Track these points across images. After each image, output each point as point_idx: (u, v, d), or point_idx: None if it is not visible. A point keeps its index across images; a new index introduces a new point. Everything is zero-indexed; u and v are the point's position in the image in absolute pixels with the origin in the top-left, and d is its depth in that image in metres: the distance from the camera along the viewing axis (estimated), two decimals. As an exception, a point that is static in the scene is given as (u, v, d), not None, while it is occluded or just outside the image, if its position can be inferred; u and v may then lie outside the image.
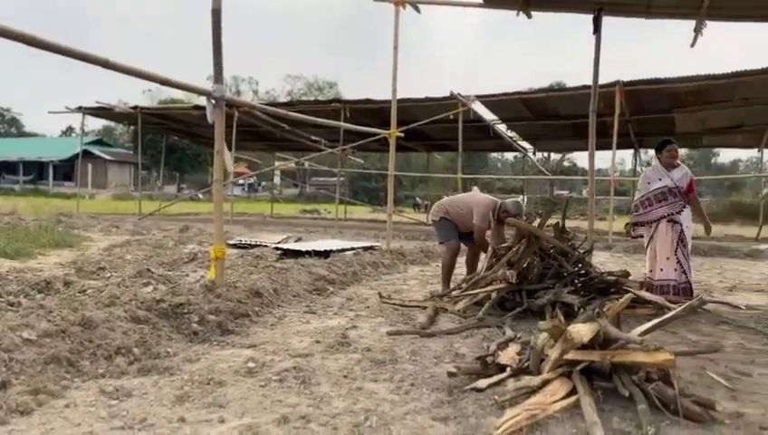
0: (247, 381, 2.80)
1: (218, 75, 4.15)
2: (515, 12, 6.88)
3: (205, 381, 2.73)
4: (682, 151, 46.89)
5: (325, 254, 7.50)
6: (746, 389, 2.87)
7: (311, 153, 21.17)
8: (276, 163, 25.80)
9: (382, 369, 3.06)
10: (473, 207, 5.43)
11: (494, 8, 7.09)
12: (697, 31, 6.60)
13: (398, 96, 8.78)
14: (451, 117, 14.43)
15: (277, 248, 8.02)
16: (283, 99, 48.19)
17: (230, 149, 4.69)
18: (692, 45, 6.96)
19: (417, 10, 7.98)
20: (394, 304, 4.88)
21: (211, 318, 3.63)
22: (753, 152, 19.86)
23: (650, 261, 5.52)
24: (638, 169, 21.57)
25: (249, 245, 9.24)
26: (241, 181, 44.49)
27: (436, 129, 16.94)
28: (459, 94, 14.11)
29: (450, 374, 2.78)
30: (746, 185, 39.07)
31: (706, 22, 6.40)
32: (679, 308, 2.90)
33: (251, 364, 3.01)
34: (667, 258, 5.36)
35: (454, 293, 4.99)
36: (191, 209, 22.67)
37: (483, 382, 2.75)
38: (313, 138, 18.59)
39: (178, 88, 4.57)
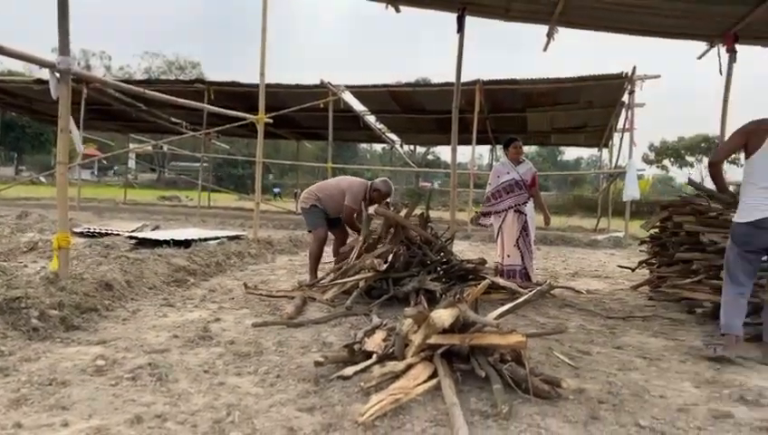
0: (95, 380, 2.56)
1: (64, 46, 3.72)
2: (384, 5, 7.01)
3: (45, 382, 2.46)
4: (532, 149, 50.91)
5: (186, 243, 7.11)
6: (587, 366, 3.17)
7: (171, 136, 19.97)
8: (131, 145, 24.01)
9: (246, 362, 2.96)
10: (344, 188, 5.47)
11: (364, -1, 7.12)
12: (550, 36, 7.15)
13: (268, 81, 8.54)
14: (321, 106, 14.37)
15: (131, 237, 7.47)
16: (139, 76, 44.95)
17: (78, 128, 4.23)
18: (544, 49, 7.53)
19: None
20: (260, 294, 4.76)
21: (53, 313, 3.27)
22: (594, 151, 22.01)
23: (500, 248, 5.98)
24: (495, 163, 23.05)
25: (98, 233, 8.52)
26: (90, 164, 40.90)
27: (306, 117, 16.79)
28: (330, 83, 14.09)
29: (317, 364, 2.76)
30: (587, 181, 43.23)
31: (558, 28, 6.95)
32: (530, 293, 3.12)
33: (100, 362, 2.76)
34: (514, 245, 5.86)
35: (323, 282, 4.97)
36: (31, 194, 20.45)
37: (349, 370, 2.77)
38: (173, 120, 17.58)
39: (17, 58, 4.03)
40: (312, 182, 7.95)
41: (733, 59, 6.96)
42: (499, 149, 22.42)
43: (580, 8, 6.51)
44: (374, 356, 2.90)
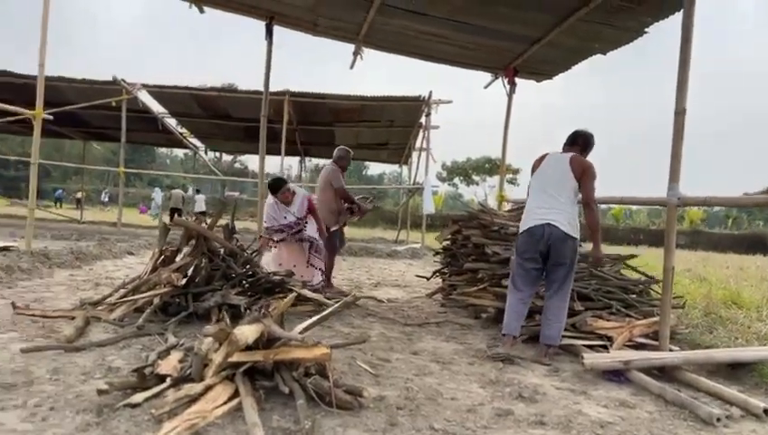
0: None
1: None
2: (188, 5, 6.66)
3: None
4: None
5: (-66, 256, 5.93)
6: (387, 374, 3.28)
7: None
8: None
9: (13, 394, 2.52)
10: (324, 187, 6.35)
11: (167, -5, 6.68)
12: (356, 54, 7.42)
13: (50, 74, 7.54)
14: (114, 104, 13.13)
15: None
16: None
17: None
18: (351, 67, 7.80)
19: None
20: (33, 314, 4.11)
21: None
22: (396, 167, 23.36)
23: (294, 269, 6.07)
24: (304, 174, 23.24)
25: None
26: None
27: (96, 115, 15.25)
28: (124, 80, 12.96)
29: (100, 392, 2.45)
30: (389, 195, 45.79)
31: (364, 48, 7.24)
32: (335, 305, 3.15)
33: None
34: (307, 267, 6.19)
35: (110, 299, 4.47)
36: None
37: (138, 396, 2.50)
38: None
39: None
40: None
41: (513, 90, 7.90)
42: (308, 160, 22.68)
43: (382, 32, 6.87)
44: (168, 380, 2.67)
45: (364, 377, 3.17)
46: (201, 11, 6.73)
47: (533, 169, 4.29)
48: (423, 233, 15.21)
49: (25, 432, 2.16)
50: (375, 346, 3.97)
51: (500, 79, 8.00)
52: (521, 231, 4.10)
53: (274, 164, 25.93)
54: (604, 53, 6.66)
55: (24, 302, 4.53)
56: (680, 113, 3.81)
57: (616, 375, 3.52)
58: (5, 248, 7.30)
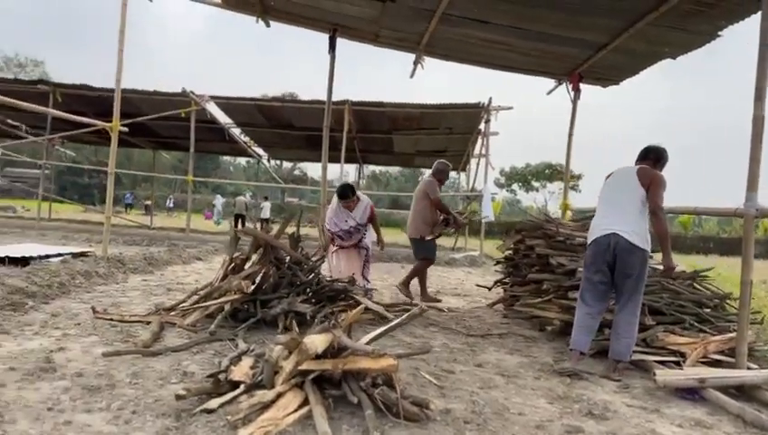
0: None
1: None
2: (255, 18, 6.89)
3: None
4: (396, 169, 52.58)
5: (23, 261, 6.35)
6: (452, 385, 3.27)
7: (6, 140, 17.85)
8: (-43, 148, 21.09)
9: (97, 396, 2.67)
10: (420, 197, 6.63)
11: (234, 10, 6.93)
12: (416, 63, 7.46)
13: (123, 87, 7.94)
14: (183, 115, 13.69)
15: (-44, 254, 6.52)
16: (-31, 71, 39.89)
17: None
18: (411, 76, 7.85)
19: (150, -3, 7.36)
20: (111, 319, 4.34)
21: None
22: (453, 173, 23.23)
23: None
24: (362, 182, 23.49)
25: None
26: None
27: (165, 126, 15.94)
28: (192, 93, 13.48)
29: (178, 397, 2.56)
30: (444, 200, 45.49)
31: (424, 57, 7.28)
32: (402, 317, 3.17)
33: None
34: (361, 275, 6.30)
35: (183, 305, 4.66)
36: None
37: (214, 402, 2.60)
38: (11, 122, 15.76)
39: None
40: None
41: (577, 96, 7.74)
42: (365, 167, 22.93)
43: (445, 40, 6.88)
44: (241, 386, 2.76)
45: (429, 388, 3.17)
46: (267, 25, 6.95)
47: (604, 184, 4.23)
48: (481, 240, 15.04)
49: (111, 434, 2.27)
50: (438, 357, 3.96)
51: (564, 85, 7.85)
52: (588, 244, 4.04)
53: (333, 171, 26.26)
54: (674, 58, 6.43)
55: (102, 306, 4.78)
56: (759, 118, 3.64)
57: (690, 393, 3.38)
58: (83, 254, 7.73)
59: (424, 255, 6.72)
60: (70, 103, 13.90)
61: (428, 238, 6.64)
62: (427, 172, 7.73)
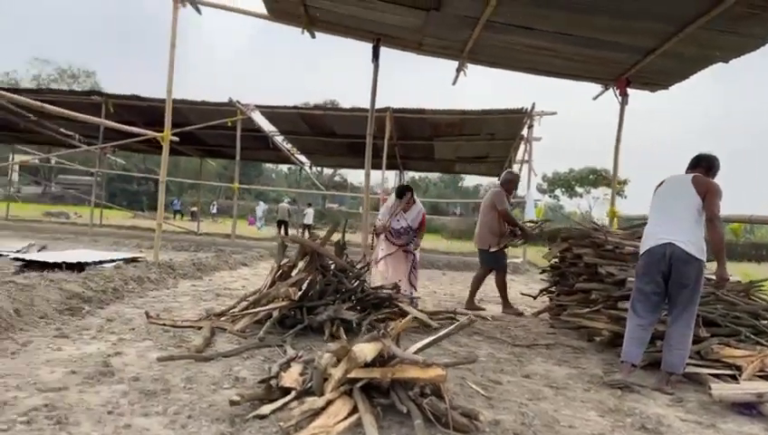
0: (-21, 427, 2.28)
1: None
2: (300, 29, 7.01)
3: None
4: (436, 175, 52.48)
5: (79, 266, 6.60)
6: (499, 396, 3.25)
7: (60, 148, 18.61)
8: (15, 157, 22.11)
9: (153, 401, 2.76)
10: (489, 206, 6.70)
11: (280, 22, 7.07)
12: (459, 70, 7.44)
13: (173, 97, 8.18)
14: (229, 124, 14.01)
15: (17, 259, 6.82)
16: (28, 84, 41.76)
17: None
18: (453, 83, 7.83)
19: (198, 11, 7.56)
20: (164, 324, 4.47)
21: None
22: (492, 178, 23.01)
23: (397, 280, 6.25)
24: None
25: (-23, 254, 7.73)
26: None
27: (212, 134, 16.30)
28: (239, 102, 13.78)
29: (232, 402, 2.62)
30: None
31: (467, 64, 7.26)
32: (452, 327, 3.16)
33: (-13, 404, 2.46)
34: (407, 281, 6.35)
35: (233, 311, 4.77)
36: None
37: (266, 408, 2.65)
38: (65, 131, 16.43)
39: None
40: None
41: (625, 102, 7.58)
42: (405, 174, 22.94)
43: (489, 47, 6.84)
44: (292, 392, 2.81)
45: (476, 399, 3.16)
46: (313, 36, 7.06)
47: (655, 192, 4.14)
48: (524, 247, 14.83)
49: (169, 437, 2.35)
50: (485, 367, 3.93)
51: (610, 90, 7.70)
52: (641, 253, 3.95)
53: (374, 177, 26.42)
54: (726, 61, 6.24)
55: (154, 311, 4.92)
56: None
57: (747, 408, 3.27)
58: (134, 259, 7.99)
59: (491, 265, 6.81)
60: (121, 113, 14.40)
61: (494, 250, 6.67)
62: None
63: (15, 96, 4.65)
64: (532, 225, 7.08)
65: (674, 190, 3.93)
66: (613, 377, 3.73)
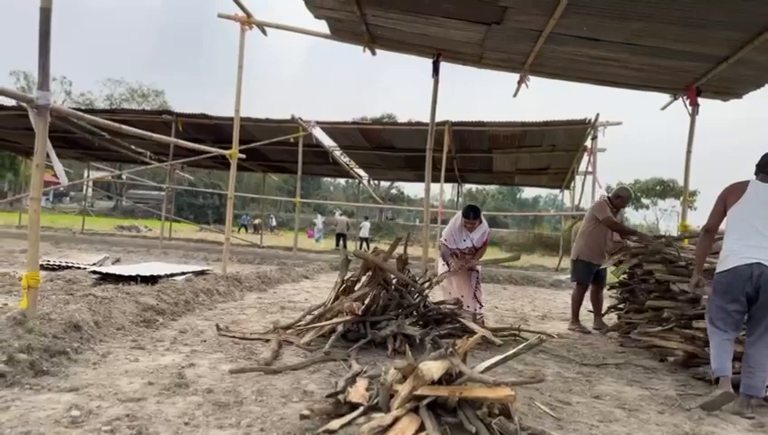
0: (72, 432, 2.42)
1: (44, 81, 3.61)
2: (362, 48, 7.14)
3: (18, 436, 2.31)
4: (494, 187, 51.82)
5: (152, 279, 6.91)
6: (569, 417, 3.17)
7: (132, 165, 19.59)
8: (91, 174, 23.43)
9: (227, 413, 2.85)
10: (588, 218, 6.56)
11: (342, 41, 7.23)
12: (521, 83, 7.37)
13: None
14: (291, 140, 14.39)
15: (95, 272, 7.21)
16: (101, 104, 44.28)
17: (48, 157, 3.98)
18: (514, 95, 7.76)
19: (264, 32, 7.84)
20: (234, 336, 4.62)
21: (22, 357, 3.09)
22: (553, 190, 22.52)
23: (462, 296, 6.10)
24: (460, 200, 23.38)
25: (59, 266, 8.22)
26: (45, 191, 39.51)
27: (275, 150, 16.76)
28: (300, 119, 14.13)
29: (303, 417, 2.67)
30: (545, 218, 44.20)
31: (529, 76, 7.18)
32: (521, 346, 3.12)
33: (75, 412, 2.61)
34: (472, 298, 6.13)
35: (299, 324, 4.87)
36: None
37: (335, 423, 2.69)
38: (137, 149, 17.28)
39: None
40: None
41: (695, 111, 7.30)
42: (463, 186, 22.79)
43: (551, 59, 6.75)
44: (360, 408, 2.84)
45: (545, 420, 3.09)
46: (373, 53, 7.18)
47: (725, 198, 3.82)
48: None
49: (242, 449, 2.42)
50: (552, 387, 3.85)
51: (680, 99, 7.44)
52: (721, 270, 3.71)
53: (432, 190, 26.41)
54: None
55: (223, 323, 5.09)
56: None
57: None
58: (203, 272, 8.28)
59: (575, 277, 6.69)
60: (189, 131, 15.05)
61: (603, 266, 6.42)
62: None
63: (97, 119, 4.94)
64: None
65: (760, 200, 3.66)
66: (713, 393, 3.54)
